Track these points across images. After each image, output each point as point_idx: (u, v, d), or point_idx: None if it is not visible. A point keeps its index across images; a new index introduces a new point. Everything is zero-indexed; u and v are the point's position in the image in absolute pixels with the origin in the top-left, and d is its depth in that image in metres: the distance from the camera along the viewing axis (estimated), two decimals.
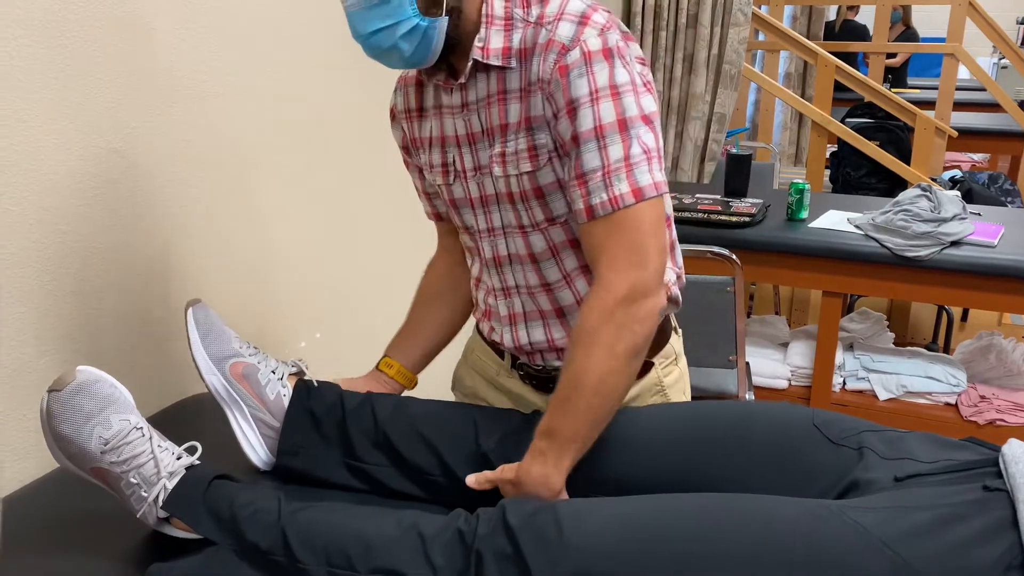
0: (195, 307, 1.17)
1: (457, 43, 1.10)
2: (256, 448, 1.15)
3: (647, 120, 1.05)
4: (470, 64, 1.10)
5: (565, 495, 1.05)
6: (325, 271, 1.87)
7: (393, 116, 1.29)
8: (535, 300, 1.22)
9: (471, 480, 1.09)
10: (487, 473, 1.09)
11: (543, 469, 1.03)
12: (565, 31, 1.05)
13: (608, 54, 1.04)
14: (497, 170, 1.14)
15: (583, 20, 1.05)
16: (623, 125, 1.04)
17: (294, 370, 1.21)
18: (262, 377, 1.16)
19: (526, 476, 1.03)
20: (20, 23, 1.12)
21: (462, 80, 1.12)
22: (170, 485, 0.98)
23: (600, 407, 1.04)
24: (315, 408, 1.16)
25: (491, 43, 1.10)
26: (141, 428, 1.00)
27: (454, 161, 1.19)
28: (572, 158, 1.06)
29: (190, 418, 1.35)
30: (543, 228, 1.16)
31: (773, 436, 1.03)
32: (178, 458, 1.02)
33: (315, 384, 1.19)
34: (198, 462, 1.02)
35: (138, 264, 1.37)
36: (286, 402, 1.16)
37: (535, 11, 1.09)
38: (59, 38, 1.18)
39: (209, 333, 1.15)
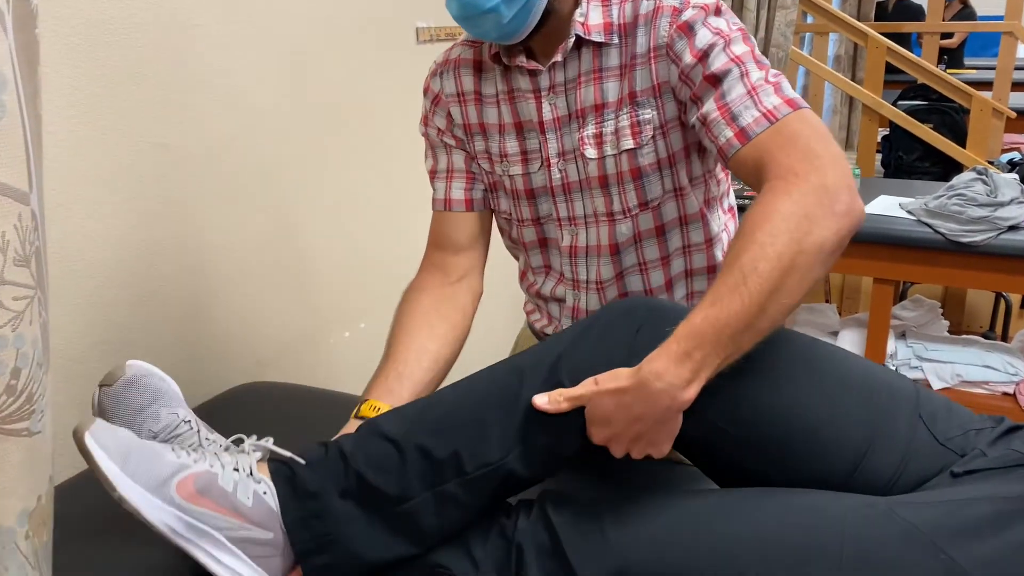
0: (91, 429, 0.83)
1: (547, 20, 1.07)
2: None
3: None
4: (571, 40, 1.08)
5: (679, 421, 0.87)
6: (365, 261, 1.88)
7: (437, 101, 1.22)
8: (603, 295, 1.20)
9: (540, 401, 0.87)
10: (566, 390, 0.87)
11: (683, 372, 0.82)
12: None
13: (718, 10, 1.05)
14: (591, 152, 1.11)
15: None
16: (755, 56, 1.02)
17: (260, 455, 0.91)
18: (225, 482, 0.85)
19: (657, 380, 0.82)
20: (67, 22, 1.14)
21: (557, 59, 1.09)
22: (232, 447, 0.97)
23: (772, 309, 0.84)
24: (311, 483, 0.88)
25: (591, 19, 1.08)
26: (189, 421, 1.02)
27: (539, 147, 1.15)
28: (708, 97, 1.01)
29: (236, 409, 1.37)
30: (633, 215, 1.13)
31: (868, 409, 0.89)
32: (225, 450, 1.03)
33: (292, 459, 0.91)
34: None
35: (185, 257, 1.39)
36: (271, 501, 0.87)
37: None
38: (106, 36, 1.20)
39: (129, 454, 0.83)
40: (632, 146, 1.09)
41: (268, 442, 0.92)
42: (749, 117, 0.97)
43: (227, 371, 1.51)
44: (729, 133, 0.98)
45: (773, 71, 1.02)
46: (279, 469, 0.90)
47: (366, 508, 0.88)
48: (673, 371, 0.83)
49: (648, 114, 1.08)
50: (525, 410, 0.89)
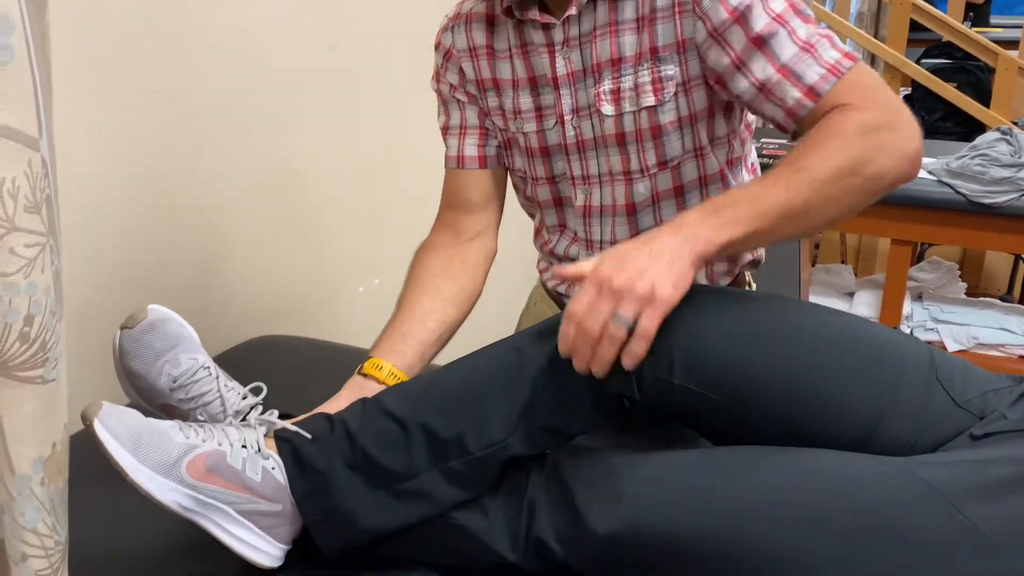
0: (100, 416, 0.83)
1: None
2: (263, 548, 0.87)
3: None
4: None
5: (690, 278, 0.83)
6: (381, 216, 1.88)
7: (449, 56, 1.18)
8: None
9: (557, 270, 0.89)
10: (578, 264, 0.87)
11: (706, 222, 0.84)
12: None
13: None
14: (608, 108, 1.07)
15: None
16: (795, 9, 0.98)
17: (264, 429, 0.91)
18: (234, 460, 0.86)
19: (682, 218, 0.85)
20: None
21: (571, 12, 1.05)
22: (236, 423, 0.99)
23: (814, 207, 0.86)
24: (318, 461, 0.89)
25: None
26: (208, 367, 1.03)
27: (554, 103, 1.12)
28: (756, 62, 0.97)
29: (253, 359, 1.38)
30: (652, 174, 1.11)
31: (879, 379, 0.86)
32: (243, 398, 1.04)
33: (298, 435, 0.90)
34: (262, 403, 1.04)
35: (199, 210, 1.39)
36: (279, 475, 0.88)
37: None
38: None
39: (139, 438, 0.83)
40: (653, 103, 1.06)
41: (273, 415, 0.93)
42: (814, 75, 0.94)
43: (242, 324, 1.51)
44: (797, 94, 0.95)
45: (819, 26, 0.98)
46: (285, 444, 0.90)
47: (373, 483, 0.88)
48: (700, 217, 0.85)
49: (671, 70, 1.04)
50: (528, 392, 0.89)
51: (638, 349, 0.82)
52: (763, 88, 0.98)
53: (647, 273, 0.81)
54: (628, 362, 0.83)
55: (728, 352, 0.87)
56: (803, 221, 0.86)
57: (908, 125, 0.90)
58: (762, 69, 0.97)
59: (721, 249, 0.84)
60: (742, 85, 1.00)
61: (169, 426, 0.87)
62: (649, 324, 0.81)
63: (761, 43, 0.97)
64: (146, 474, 0.82)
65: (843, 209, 0.88)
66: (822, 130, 0.89)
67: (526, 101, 1.14)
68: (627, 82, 1.06)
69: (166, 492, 0.83)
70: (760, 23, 0.96)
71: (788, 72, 0.96)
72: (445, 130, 1.23)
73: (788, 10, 0.97)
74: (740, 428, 0.89)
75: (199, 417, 1.00)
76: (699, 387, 0.87)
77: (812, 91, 0.95)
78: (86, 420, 0.83)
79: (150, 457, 0.83)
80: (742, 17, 0.97)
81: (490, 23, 1.15)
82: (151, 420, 0.87)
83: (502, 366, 0.91)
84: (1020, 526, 0.72)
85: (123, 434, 0.83)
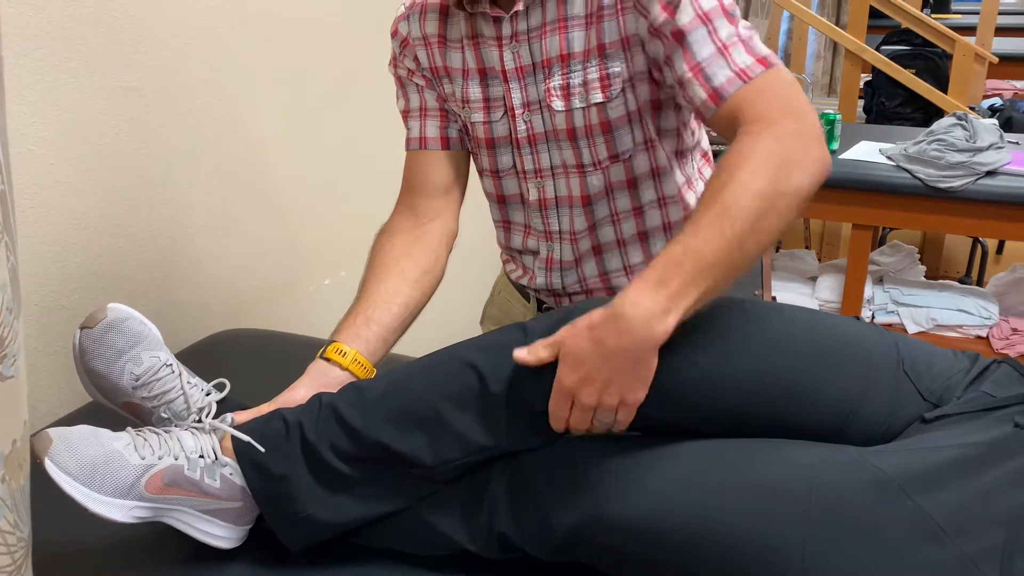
0: (51, 454, 0.83)
1: None
2: (225, 535, 0.92)
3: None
4: None
5: (654, 363, 0.82)
6: (345, 208, 1.87)
7: (405, 44, 1.19)
8: (576, 246, 1.19)
9: (521, 355, 0.85)
10: (543, 340, 0.85)
11: (659, 300, 0.79)
12: None
13: None
14: (558, 104, 1.09)
15: None
16: (725, 10, 0.98)
17: (220, 435, 0.93)
18: (191, 471, 0.88)
19: (632, 307, 0.79)
20: None
21: (519, 7, 1.06)
22: (199, 418, 0.99)
23: (750, 245, 0.83)
24: (276, 467, 0.90)
25: None
26: (171, 365, 1.02)
27: (503, 96, 1.13)
28: (678, 57, 0.98)
29: (217, 355, 1.37)
30: (604, 167, 1.12)
31: (848, 380, 0.86)
32: (207, 394, 1.04)
33: (252, 444, 0.91)
34: (226, 398, 1.04)
35: (161, 204, 1.38)
36: (238, 479, 0.90)
37: None
38: None
39: (94, 469, 0.84)
40: (601, 100, 1.07)
41: (226, 420, 0.94)
42: (722, 77, 0.95)
43: (206, 318, 1.51)
44: (703, 95, 0.96)
45: (744, 24, 0.99)
46: (244, 449, 0.91)
47: (332, 487, 0.90)
48: (649, 296, 0.79)
49: (617, 67, 1.05)
50: (490, 420, 0.88)
51: (623, 428, 0.86)
52: (680, 83, 0.99)
53: (612, 383, 0.82)
54: (619, 430, 0.87)
55: (698, 362, 0.87)
56: (746, 259, 0.84)
57: (810, 125, 0.90)
58: (680, 65, 0.98)
59: (679, 316, 0.81)
60: (669, 78, 1.02)
61: (123, 446, 0.87)
62: (626, 419, 0.85)
63: (681, 38, 0.98)
64: (106, 503, 0.84)
65: (778, 231, 0.86)
66: (733, 159, 0.87)
67: (475, 91, 1.15)
68: (576, 78, 1.07)
69: (127, 512, 0.86)
70: (685, 18, 0.97)
71: (699, 72, 0.97)
72: (406, 113, 1.23)
73: (716, 9, 0.98)
74: (704, 429, 0.89)
75: (163, 415, 1.00)
76: (669, 419, 0.88)
77: (716, 93, 0.95)
78: (37, 458, 0.82)
79: (107, 486, 0.84)
80: (673, 9, 0.98)
81: (444, 13, 1.16)
82: (104, 439, 0.86)
83: (460, 386, 0.89)
84: (965, 511, 0.73)
85: (76, 468, 0.83)
